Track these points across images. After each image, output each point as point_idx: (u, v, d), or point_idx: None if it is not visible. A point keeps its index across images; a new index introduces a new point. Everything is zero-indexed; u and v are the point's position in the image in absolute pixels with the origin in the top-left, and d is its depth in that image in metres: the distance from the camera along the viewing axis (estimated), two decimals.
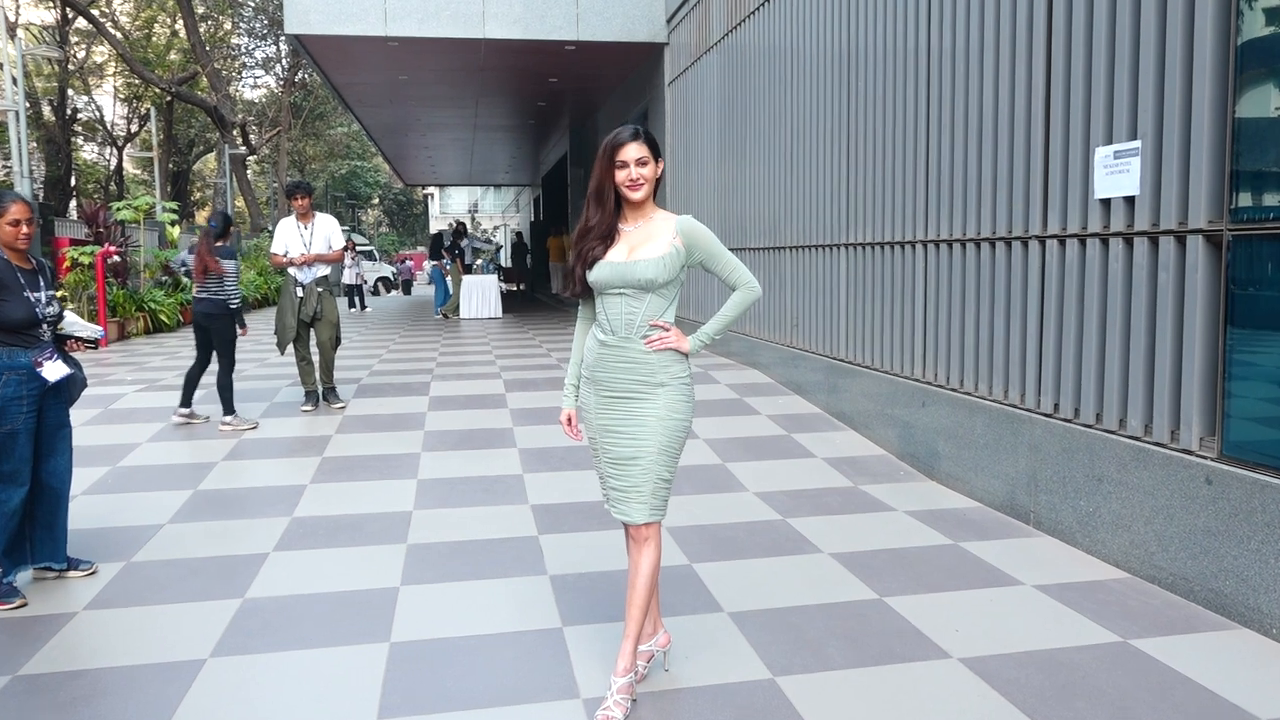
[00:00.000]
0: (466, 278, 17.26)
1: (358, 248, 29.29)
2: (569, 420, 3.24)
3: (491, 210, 69.75)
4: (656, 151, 3.04)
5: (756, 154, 8.77)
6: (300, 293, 7.48)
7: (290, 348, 7.62)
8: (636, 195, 2.98)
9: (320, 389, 7.81)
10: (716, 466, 5.88)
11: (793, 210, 7.90)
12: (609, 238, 3.04)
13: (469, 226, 48.19)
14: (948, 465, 5.44)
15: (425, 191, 69.45)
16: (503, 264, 32.76)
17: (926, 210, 5.71)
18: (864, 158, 6.55)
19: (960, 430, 5.32)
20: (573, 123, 20.83)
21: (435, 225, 66.84)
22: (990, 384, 5.12)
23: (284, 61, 35.93)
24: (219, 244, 7.01)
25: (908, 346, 5.99)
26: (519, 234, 26.43)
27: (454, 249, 17.83)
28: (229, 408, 7.00)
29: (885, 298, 6.27)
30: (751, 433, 6.74)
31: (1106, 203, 4.24)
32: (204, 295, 6.97)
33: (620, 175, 2.98)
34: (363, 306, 21.53)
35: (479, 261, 19.31)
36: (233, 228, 7.95)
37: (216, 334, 6.95)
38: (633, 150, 2.97)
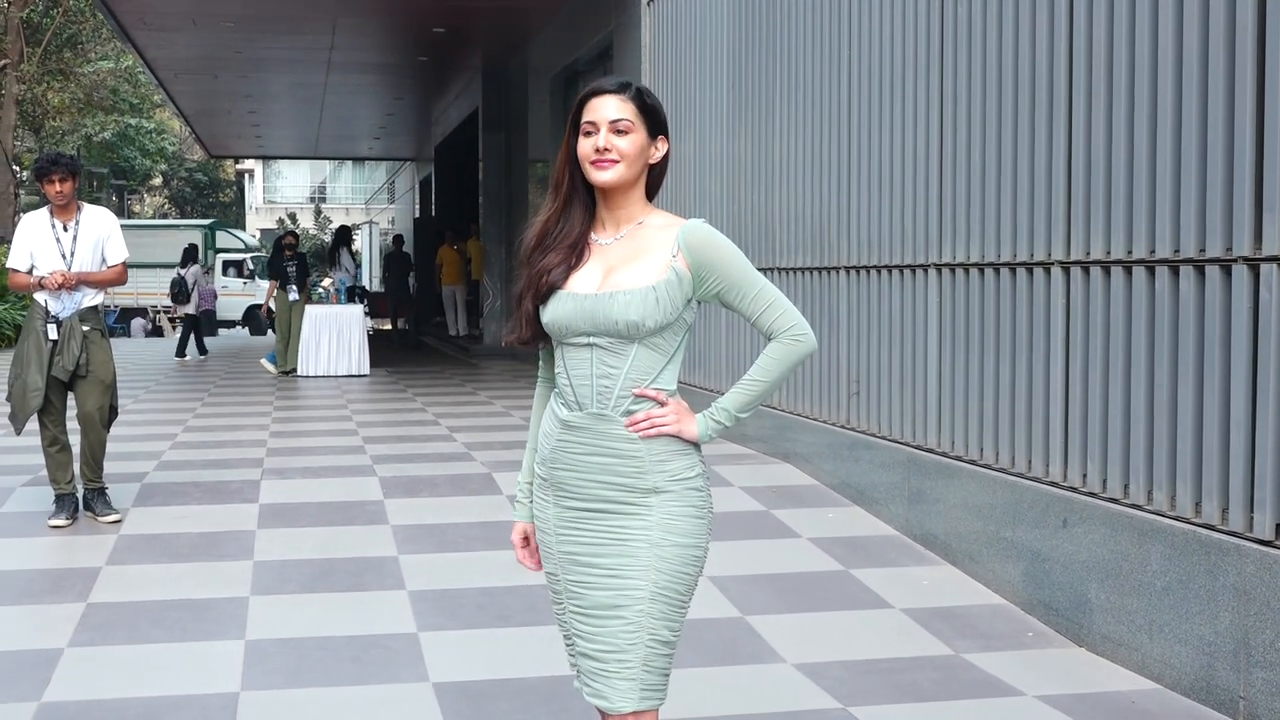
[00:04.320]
0: (313, 310, 17.34)
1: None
2: (525, 539, 3.31)
3: (348, 198, 70.15)
4: (655, 123, 3.13)
5: (793, 119, 8.96)
6: (54, 333, 7.51)
7: (33, 423, 7.58)
8: (601, 177, 3.06)
9: (81, 491, 7.81)
10: (733, 622, 5.91)
11: (852, 208, 8.07)
12: (574, 252, 3.14)
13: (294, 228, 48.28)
14: (1103, 622, 5.53)
15: (241, 167, 69.78)
16: (367, 287, 32.90)
17: (1070, 213, 5.87)
18: (970, 127, 6.72)
19: (1124, 567, 5.40)
20: (488, 63, 21.11)
21: (258, 222, 67.07)
22: (1173, 492, 5.22)
23: None
24: None
25: (1039, 430, 6.10)
26: (398, 239, 26.60)
27: (276, 261, 17.90)
28: None
29: (1003, 351, 6.40)
30: (786, 567, 6.76)
31: None
32: None
33: (585, 146, 3.07)
34: (201, 350, 21.54)
35: (326, 282, 19.44)
36: None
37: None
38: (609, 106, 3.06)
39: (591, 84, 3.13)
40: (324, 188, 72.28)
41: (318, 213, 68.82)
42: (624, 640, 3.03)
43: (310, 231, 61.80)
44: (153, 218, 63.97)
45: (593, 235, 3.17)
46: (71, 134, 47.34)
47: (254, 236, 55.90)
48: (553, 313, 3.09)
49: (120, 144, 53.13)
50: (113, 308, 44.13)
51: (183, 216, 64.98)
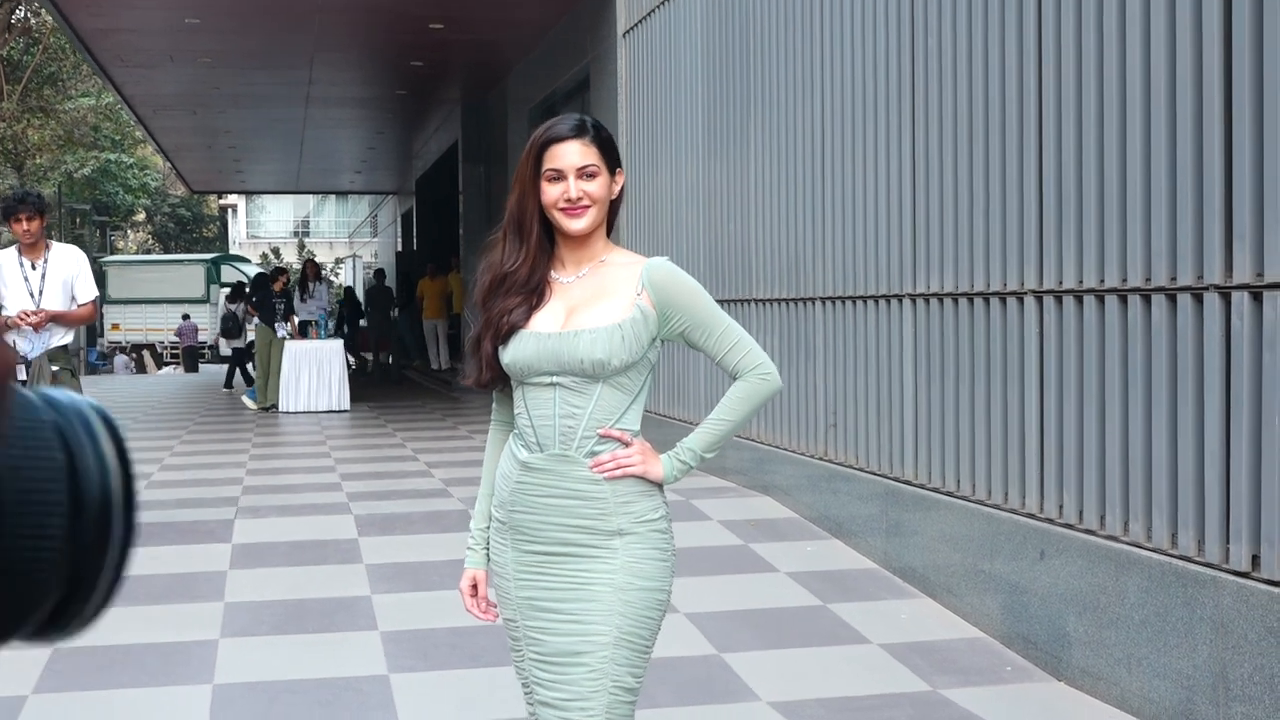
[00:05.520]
0: (294, 345, 17.28)
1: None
2: (474, 587, 3.27)
3: (332, 232, 70.28)
4: (613, 158, 3.11)
5: (767, 148, 8.96)
6: (22, 373, 7.46)
7: None
8: (577, 225, 3.05)
9: None
10: (708, 659, 5.86)
11: (827, 239, 8.05)
12: (535, 293, 3.11)
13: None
14: (1082, 656, 5.48)
15: (224, 203, 69.87)
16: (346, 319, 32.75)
17: (1041, 241, 5.85)
18: (940, 157, 6.71)
19: (1102, 599, 5.36)
20: (467, 95, 21.15)
21: (243, 256, 66.95)
22: (1149, 523, 5.19)
23: None
24: None
25: (1015, 461, 6.07)
26: (379, 273, 26.56)
27: (264, 299, 17.84)
28: None
29: (978, 381, 6.38)
30: (764, 602, 6.72)
31: None
32: None
33: (552, 192, 3.05)
34: (249, 381, 21.29)
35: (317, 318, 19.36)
36: None
37: None
38: (574, 152, 3.04)
39: (548, 127, 3.09)
40: (307, 222, 72.36)
41: (301, 247, 68.85)
42: (586, 688, 2.99)
43: (294, 266, 61.81)
44: (136, 253, 64.02)
45: (552, 274, 3.14)
46: (53, 171, 47.30)
47: (261, 270, 55.85)
48: (514, 353, 3.06)
49: (102, 180, 53.07)
50: (124, 344, 44.33)
51: (165, 251, 64.96)
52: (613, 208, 3.16)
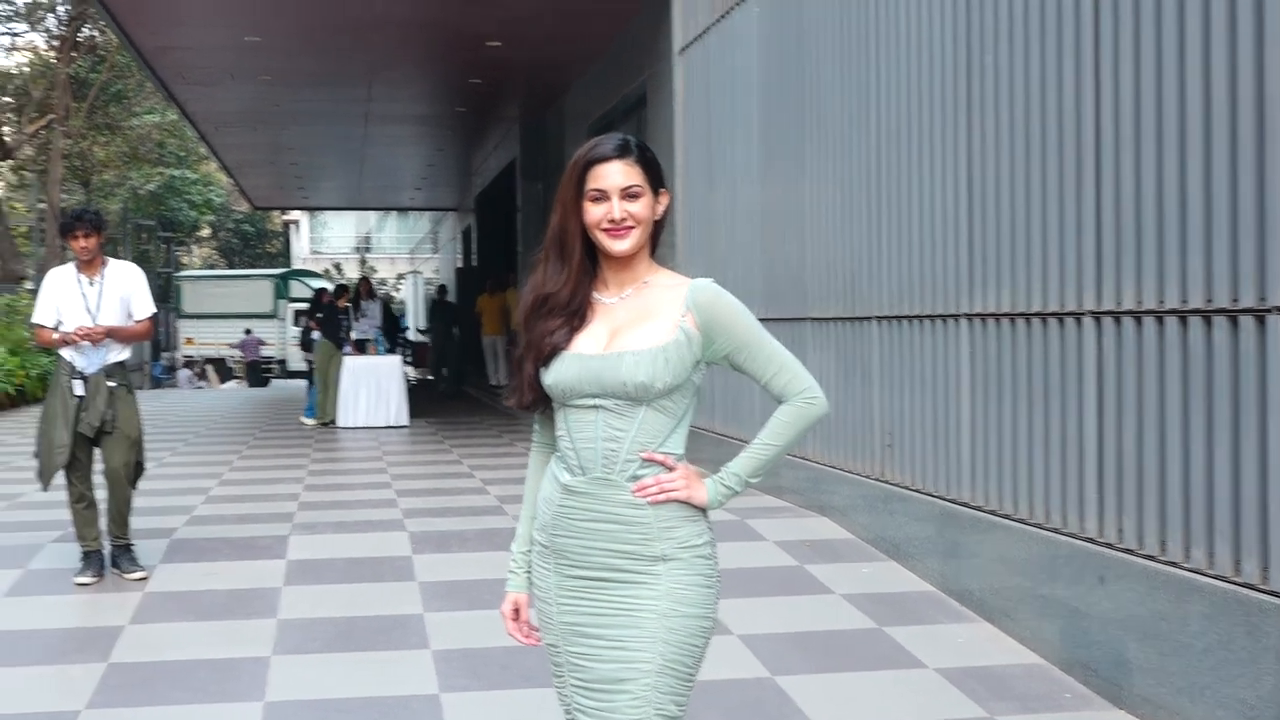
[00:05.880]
0: (352, 362, 17.36)
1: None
2: (516, 611, 3.23)
3: (393, 248, 70.64)
4: (657, 178, 3.07)
5: (823, 165, 8.91)
6: (79, 389, 7.51)
7: (60, 479, 7.59)
8: (621, 246, 3.02)
9: (108, 548, 7.79)
10: (761, 683, 5.82)
11: (883, 257, 7.99)
12: (578, 315, 3.08)
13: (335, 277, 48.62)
14: (1143, 683, 5.38)
15: (287, 218, 70.45)
16: (410, 336, 32.96)
17: (1100, 261, 5.77)
18: (997, 176, 6.64)
19: (1163, 626, 5.27)
20: (525, 113, 21.21)
21: (313, 271, 67.57)
22: (1211, 550, 5.09)
23: (60, 10, 36.60)
24: None
25: (1073, 485, 5.99)
26: (442, 289, 26.67)
27: (329, 316, 17.92)
28: None
29: (1036, 402, 6.30)
30: (818, 624, 6.68)
31: None
32: None
33: (596, 213, 3.02)
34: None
35: (372, 336, 19.45)
36: None
37: None
38: (616, 173, 3.01)
39: (589, 148, 3.06)
40: (369, 238, 72.78)
41: (363, 262, 69.28)
42: (630, 716, 2.96)
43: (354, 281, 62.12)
44: (200, 269, 64.72)
45: (595, 294, 3.11)
46: (119, 187, 47.91)
47: (330, 285, 56.03)
48: (556, 374, 3.04)
49: (167, 196, 53.71)
50: (197, 358, 44.93)
51: (229, 267, 65.63)
52: (656, 228, 3.13)
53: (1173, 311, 5.27)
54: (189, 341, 46.67)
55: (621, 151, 3.02)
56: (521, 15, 13.80)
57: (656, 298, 3.06)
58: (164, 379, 43.97)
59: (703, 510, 3.06)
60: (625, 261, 3.07)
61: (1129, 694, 5.48)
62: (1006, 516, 6.54)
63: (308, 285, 46.60)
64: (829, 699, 5.65)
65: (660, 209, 3.09)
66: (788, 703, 5.58)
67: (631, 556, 2.99)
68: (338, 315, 17.91)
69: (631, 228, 3.01)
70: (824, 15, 8.88)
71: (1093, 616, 5.74)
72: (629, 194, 3.00)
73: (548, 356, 3.05)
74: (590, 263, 3.10)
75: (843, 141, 8.57)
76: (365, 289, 18.87)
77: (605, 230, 3.01)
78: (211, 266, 67.52)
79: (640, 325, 3.03)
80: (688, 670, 3.01)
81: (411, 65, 17.30)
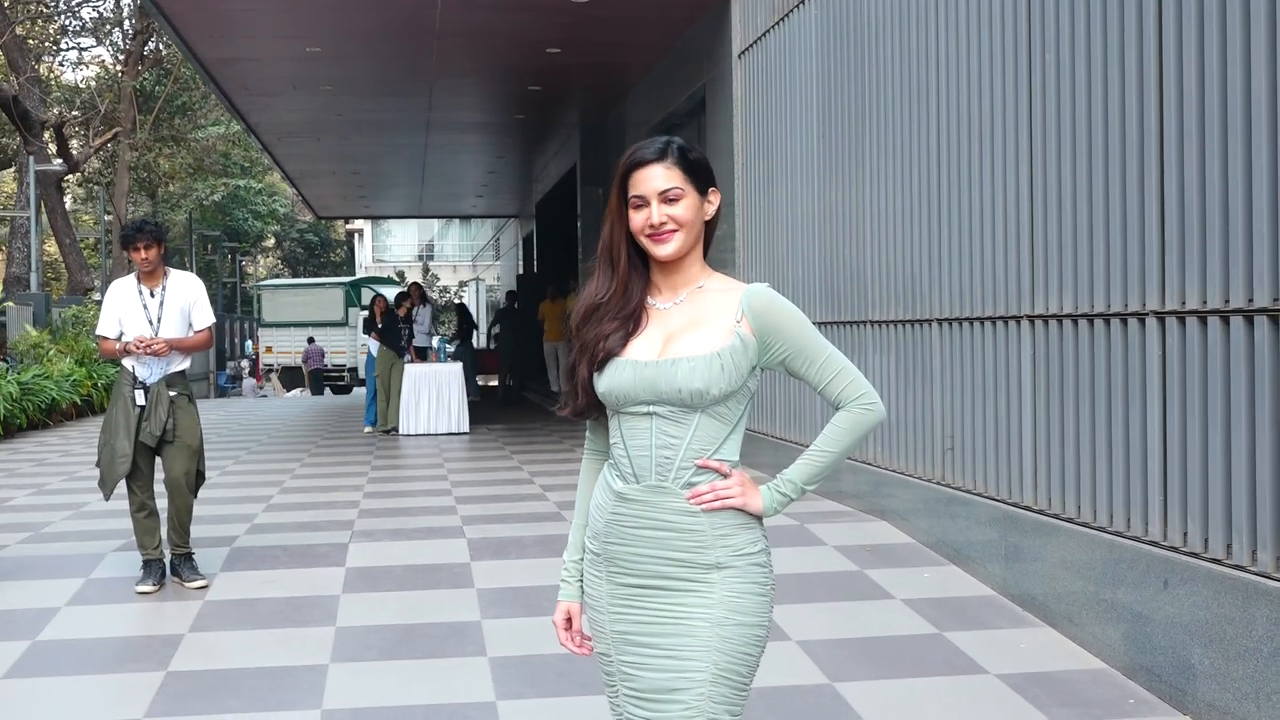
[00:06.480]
0: (413, 369, 17.43)
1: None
2: (568, 620, 3.21)
3: (455, 256, 71.06)
4: (704, 178, 3.04)
5: (882, 167, 8.86)
6: (141, 398, 7.58)
7: (122, 488, 7.66)
8: (663, 251, 3.00)
9: (169, 557, 7.85)
10: (820, 689, 5.78)
11: (944, 259, 7.93)
12: (631, 320, 3.06)
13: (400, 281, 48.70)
14: (1208, 689, 5.30)
15: (350, 227, 71.07)
16: (475, 343, 33.08)
17: (1164, 260, 5.70)
18: (1059, 174, 6.57)
19: (1229, 630, 5.19)
20: (585, 119, 21.24)
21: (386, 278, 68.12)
22: (1278, 551, 5.01)
23: (126, 25, 37.07)
24: None
25: (1137, 487, 5.91)
26: (511, 294, 26.69)
27: (389, 324, 18.00)
28: None
29: (1099, 404, 6.22)
30: (878, 630, 6.63)
31: None
32: None
33: (638, 219, 3.01)
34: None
35: (436, 340, 19.50)
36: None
37: None
38: (656, 176, 2.99)
39: (631, 153, 3.04)
40: (432, 246, 73.24)
41: (425, 270, 69.70)
42: None
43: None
44: (265, 278, 65.29)
45: (649, 300, 3.09)
46: (184, 198, 48.46)
47: (389, 292, 56.12)
48: (610, 381, 3.01)
49: (232, 206, 54.31)
50: (275, 367, 45.35)
51: (294, 276, 66.15)
52: (709, 229, 3.09)
53: (1238, 311, 5.18)
54: (268, 350, 47.10)
55: (660, 155, 3.00)
56: (580, 21, 13.79)
57: (711, 303, 3.03)
58: (229, 388, 44.39)
59: (758, 518, 3.02)
60: (676, 266, 3.05)
61: (1194, 700, 5.39)
62: (1069, 520, 6.47)
63: (380, 294, 46.76)
64: (888, 705, 5.59)
65: (711, 209, 3.06)
66: (846, 709, 5.53)
67: (685, 564, 2.96)
68: (398, 324, 17.98)
69: (674, 231, 2.98)
70: (883, 15, 8.83)
71: (1157, 621, 5.66)
72: (669, 197, 2.98)
73: (601, 361, 3.03)
74: (644, 268, 3.08)
75: (902, 141, 8.52)
76: (416, 295, 18.90)
77: (648, 236, 2.99)
78: (276, 276, 68.13)
79: (695, 331, 3.00)
80: (742, 679, 2.97)
81: (471, 73, 17.32)
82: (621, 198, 3.02)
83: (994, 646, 6.32)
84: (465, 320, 24.61)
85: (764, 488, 3.02)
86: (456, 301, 36.07)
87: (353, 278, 53.61)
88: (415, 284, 20.06)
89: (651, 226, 2.97)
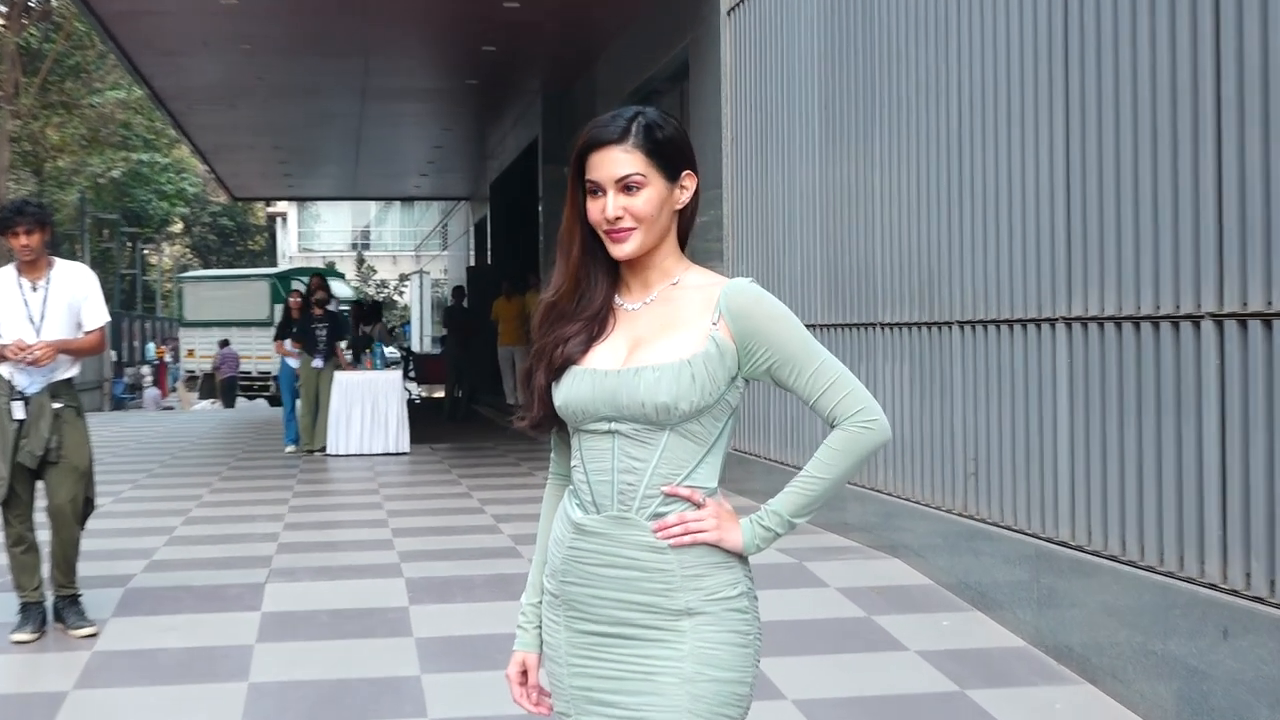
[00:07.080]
0: (344, 378, 17.36)
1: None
2: (524, 673, 3.21)
3: (395, 245, 71.13)
4: (675, 161, 3.00)
5: (896, 146, 8.90)
6: (19, 411, 7.53)
7: None
8: (620, 251, 2.97)
9: (51, 599, 7.81)
10: None
11: (965, 252, 7.97)
12: (596, 323, 3.05)
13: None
14: None
15: (272, 211, 70.97)
16: (414, 349, 33.06)
17: (1222, 256, 5.73)
18: (1100, 157, 6.61)
19: None
20: (548, 85, 21.28)
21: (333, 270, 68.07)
22: None
23: None
24: None
25: (1191, 519, 5.94)
26: (460, 290, 26.70)
27: (304, 324, 17.79)
28: None
29: (1147, 422, 6.26)
30: (889, 688, 6.63)
31: None
32: None
33: (594, 210, 2.98)
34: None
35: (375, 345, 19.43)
36: None
37: None
38: (614, 161, 2.95)
39: (588, 130, 2.99)
40: (368, 233, 73.22)
41: (360, 261, 69.64)
42: None
43: (352, 282, 62.27)
44: (175, 270, 65.18)
45: (617, 299, 3.08)
46: (76, 175, 48.28)
47: (352, 286, 55.89)
48: (566, 393, 3.00)
49: (133, 185, 54.05)
50: (197, 374, 45.13)
51: (204, 266, 66.02)
52: (685, 217, 3.07)
53: None
54: (189, 354, 46.90)
55: (620, 135, 2.94)
56: None
57: (686, 302, 3.01)
58: (128, 399, 44.22)
59: (739, 556, 3.01)
60: (645, 260, 3.02)
61: None
62: (1112, 558, 6.50)
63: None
64: None
65: (684, 197, 3.03)
66: None
67: (650, 610, 2.94)
68: (311, 323, 17.81)
69: (630, 229, 2.95)
70: None
71: (1215, 677, 5.68)
72: (627, 185, 2.93)
73: (558, 369, 3.02)
74: (611, 263, 3.06)
75: (919, 116, 8.56)
76: (317, 285, 18.51)
77: (605, 232, 2.96)
78: (184, 267, 68.00)
79: (664, 335, 2.98)
80: None
81: (415, 31, 17.35)
82: (578, 182, 2.99)
83: (1024, 707, 6.33)
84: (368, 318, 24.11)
85: (744, 520, 2.99)
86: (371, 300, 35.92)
87: (282, 269, 53.44)
88: (317, 276, 19.82)
89: (609, 221, 2.93)
